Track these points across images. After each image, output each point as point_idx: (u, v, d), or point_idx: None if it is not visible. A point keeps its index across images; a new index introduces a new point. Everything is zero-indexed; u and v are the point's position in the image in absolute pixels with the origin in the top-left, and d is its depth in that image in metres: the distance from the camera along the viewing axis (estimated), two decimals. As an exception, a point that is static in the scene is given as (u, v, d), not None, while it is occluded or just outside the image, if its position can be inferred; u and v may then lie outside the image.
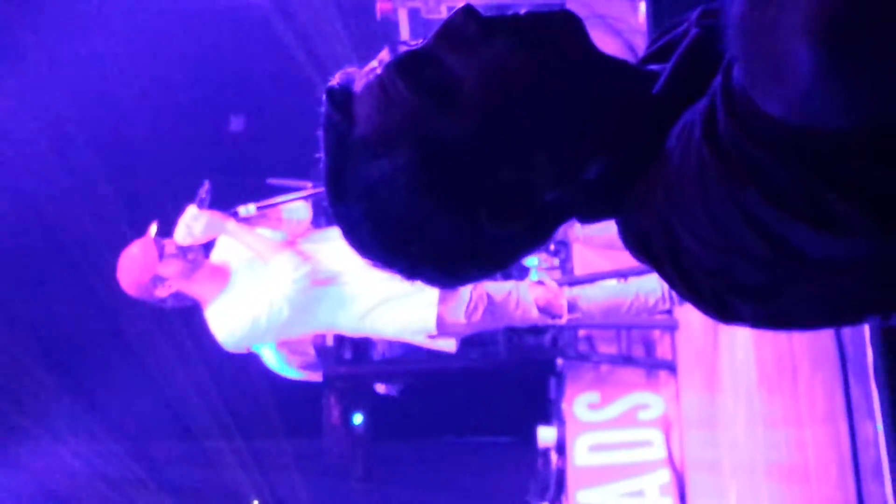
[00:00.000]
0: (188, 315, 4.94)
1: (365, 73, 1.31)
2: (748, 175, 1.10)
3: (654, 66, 1.34)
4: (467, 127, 1.26)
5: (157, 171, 7.72)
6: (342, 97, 1.31)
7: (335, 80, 1.32)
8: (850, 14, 0.95)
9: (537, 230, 1.33)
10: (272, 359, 6.08)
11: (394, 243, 1.31)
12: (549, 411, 7.26)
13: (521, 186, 1.27)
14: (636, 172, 1.26)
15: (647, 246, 1.26)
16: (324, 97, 1.32)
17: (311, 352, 6.33)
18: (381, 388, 7.16)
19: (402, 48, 1.30)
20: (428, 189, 1.27)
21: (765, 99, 1.06)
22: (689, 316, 5.57)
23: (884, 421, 2.77)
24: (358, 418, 7.89)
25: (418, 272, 1.35)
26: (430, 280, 1.37)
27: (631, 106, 1.29)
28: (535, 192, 1.28)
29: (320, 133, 1.32)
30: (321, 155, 1.33)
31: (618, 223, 1.33)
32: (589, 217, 1.35)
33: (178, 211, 4.56)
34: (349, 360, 6.85)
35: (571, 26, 1.30)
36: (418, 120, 1.27)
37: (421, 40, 1.31)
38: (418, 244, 1.31)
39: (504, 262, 1.38)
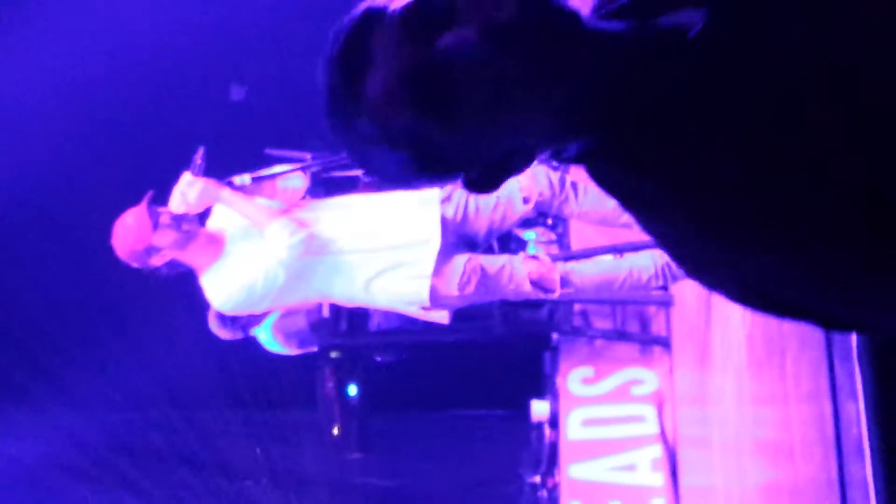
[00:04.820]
0: (184, 286, 4.95)
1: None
2: None
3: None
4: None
5: (157, 141, 7.72)
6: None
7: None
8: None
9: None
10: (267, 340, 6.10)
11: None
12: (543, 385, 7.28)
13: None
14: None
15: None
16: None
17: (305, 328, 6.34)
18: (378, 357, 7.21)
19: None
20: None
21: None
22: (685, 293, 5.59)
23: (865, 401, 2.79)
24: (353, 390, 7.89)
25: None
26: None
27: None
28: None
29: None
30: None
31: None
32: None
33: (175, 180, 4.57)
34: (345, 331, 6.87)
35: None
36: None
37: None
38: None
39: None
